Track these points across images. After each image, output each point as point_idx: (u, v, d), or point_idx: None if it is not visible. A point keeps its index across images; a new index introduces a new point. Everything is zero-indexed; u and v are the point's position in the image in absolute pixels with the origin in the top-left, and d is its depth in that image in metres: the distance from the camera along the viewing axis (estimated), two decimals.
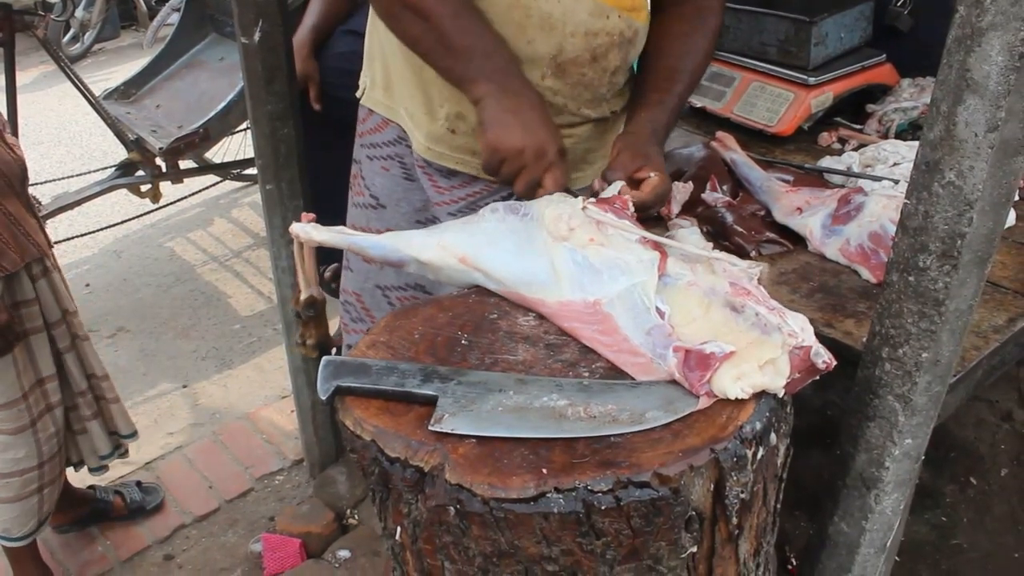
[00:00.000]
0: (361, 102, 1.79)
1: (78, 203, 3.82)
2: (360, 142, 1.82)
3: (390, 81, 1.67)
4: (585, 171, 1.64)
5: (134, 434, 2.50)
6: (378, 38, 1.66)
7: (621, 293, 1.11)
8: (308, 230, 1.35)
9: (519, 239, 1.23)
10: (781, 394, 1.01)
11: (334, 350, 1.61)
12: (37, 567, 2.36)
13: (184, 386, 3.38)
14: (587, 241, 1.18)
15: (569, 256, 1.17)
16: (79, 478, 2.58)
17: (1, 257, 1.94)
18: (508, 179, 1.38)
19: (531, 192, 1.36)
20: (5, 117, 2.10)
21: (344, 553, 2.47)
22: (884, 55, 2.05)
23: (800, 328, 1.03)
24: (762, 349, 1.01)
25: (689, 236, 1.39)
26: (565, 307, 1.15)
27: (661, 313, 1.08)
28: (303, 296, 1.49)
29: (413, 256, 1.27)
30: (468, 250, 1.24)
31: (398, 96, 1.65)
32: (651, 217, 1.68)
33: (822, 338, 1.05)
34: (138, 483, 2.74)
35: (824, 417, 1.36)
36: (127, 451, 2.53)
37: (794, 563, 1.95)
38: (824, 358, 1.02)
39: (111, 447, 2.44)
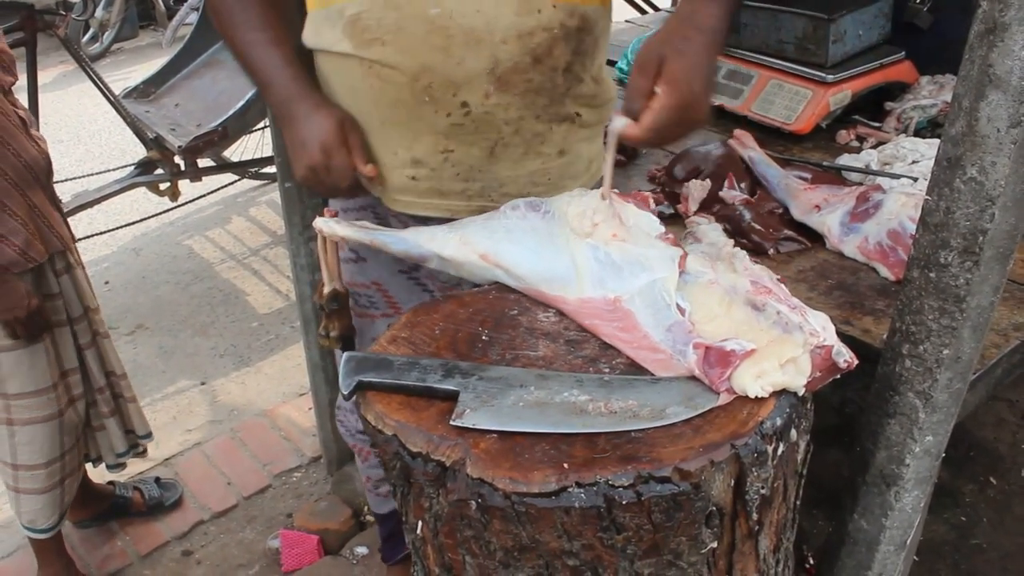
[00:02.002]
0: None
1: (97, 201, 3.86)
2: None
3: None
4: (568, 188, 1.49)
5: (149, 435, 2.53)
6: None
7: (642, 289, 1.11)
8: (331, 225, 1.37)
9: (540, 236, 1.24)
10: (802, 392, 1.01)
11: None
12: (61, 558, 2.38)
13: (202, 383, 3.40)
14: (609, 237, 1.18)
15: (591, 253, 1.18)
16: (98, 474, 2.60)
17: (28, 248, 1.97)
18: (335, 193, 1.45)
19: (355, 185, 1.41)
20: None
21: (362, 550, 2.49)
22: (903, 52, 2.04)
23: (822, 327, 1.03)
24: (783, 347, 1.01)
25: (710, 232, 1.39)
26: (586, 304, 1.15)
27: (682, 310, 1.08)
28: (326, 289, 1.50)
29: (435, 252, 1.28)
30: (489, 246, 1.25)
31: None
32: (668, 215, 1.69)
33: (840, 336, 1.05)
34: (157, 479, 2.76)
35: (842, 415, 1.35)
36: (145, 450, 2.55)
37: (812, 562, 1.94)
38: (845, 357, 1.02)
39: (127, 445, 2.47)
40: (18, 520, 2.27)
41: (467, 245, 1.26)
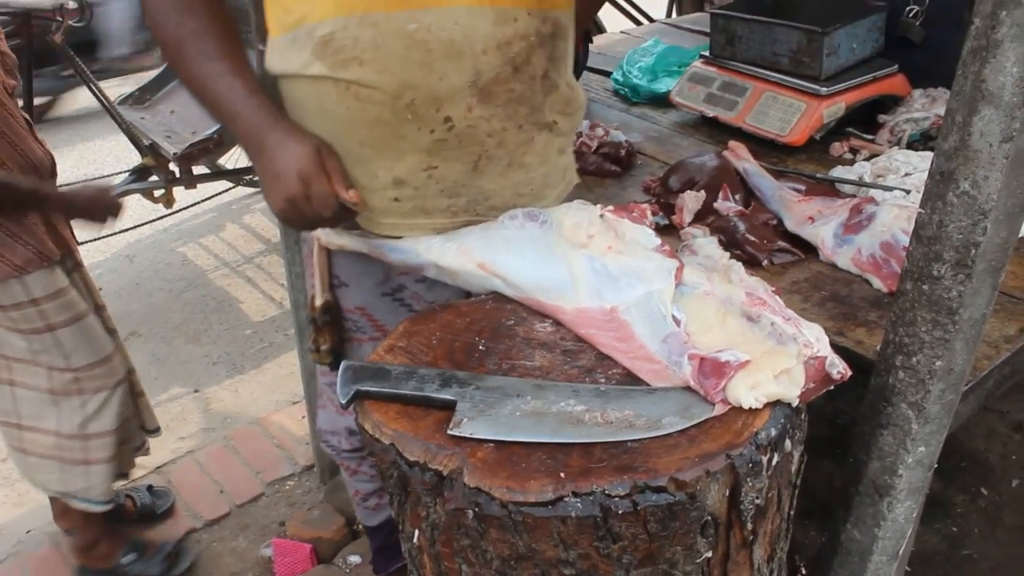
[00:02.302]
0: None
1: None
2: None
3: None
4: (548, 197, 1.53)
5: (157, 430, 2.56)
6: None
7: (638, 300, 1.12)
8: (330, 234, 1.37)
9: (538, 246, 1.25)
10: (796, 403, 1.02)
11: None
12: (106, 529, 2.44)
13: (195, 391, 3.39)
14: (605, 248, 1.19)
15: (588, 263, 1.19)
16: None
17: (42, 246, 2.00)
18: (317, 223, 1.36)
19: (339, 213, 1.32)
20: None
21: (355, 559, 2.48)
22: (896, 66, 2.06)
23: (815, 338, 1.04)
24: (777, 359, 1.02)
25: (706, 245, 1.40)
26: (582, 314, 1.16)
27: (677, 321, 1.09)
28: (318, 301, 1.50)
29: (433, 261, 1.28)
30: (487, 256, 1.26)
31: None
32: (662, 226, 1.70)
33: (833, 347, 1.06)
34: (149, 487, 2.76)
35: (835, 425, 1.36)
36: (148, 449, 2.57)
37: (805, 572, 1.95)
38: (839, 368, 1.03)
39: (140, 440, 2.50)
40: (76, 497, 2.29)
41: (465, 254, 1.26)
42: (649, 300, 1.12)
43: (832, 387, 1.06)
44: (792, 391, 1.01)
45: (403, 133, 1.34)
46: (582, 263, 1.19)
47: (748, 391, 1.00)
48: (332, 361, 1.63)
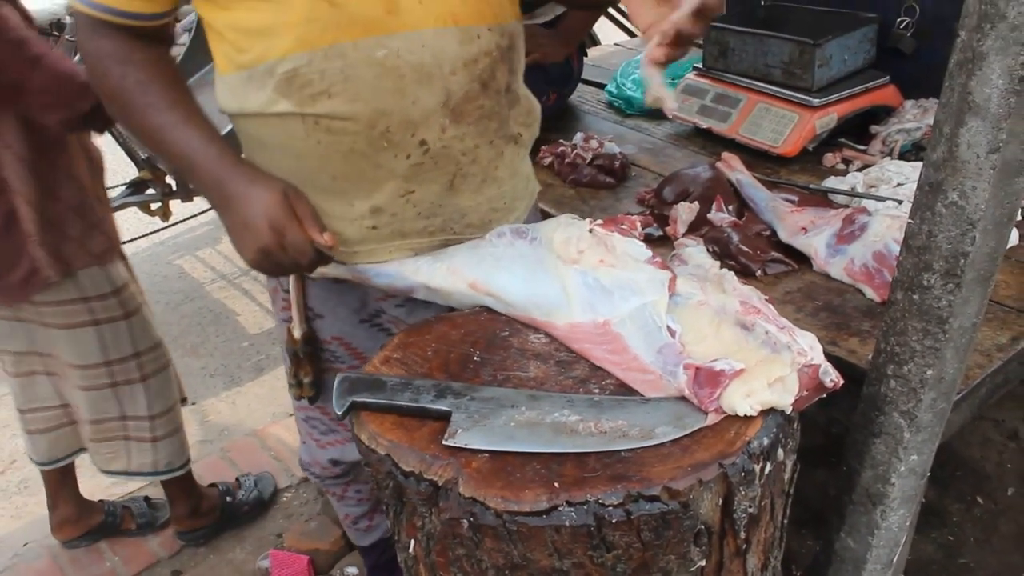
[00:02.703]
0: None
1: None
2: None
3: None
4: (518, 209, 1.54)
5: (186, 400, 2.64)
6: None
7: (632, 313, 1.13)
8: None
9: (528, 263, 1.25)
10: (789, 411, 1.03)
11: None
12: (195, 490, 2.57)
13: (192, 403, 3.39)
14: (597, 263, 1.20)
15: (580, 278, 1.20)
16: (88, 491, 2.60)
17: (115, 237, 2.13)
18: (293, 270, 1.35)
19: (315, 259, 1.30)
20: None
21: (352, 570, 2.48)
22: (888, 77, 2.08)
23: (809, 347, 1.05)
24: (771, 367, 1.03)
25: (696, 254, 1.41)
26: (575, 329, 1.17)
27: (672, 332, 1.10)
28: (297, 333, 1.49)
29: (422, 282, 1.27)
30: (478, 275, 1.26)
31: None
32: (656, 237, 1.71)
33: (827, 356, 1.07)
34: (146, 499, 2.76)
35: (828, 434, 1.37)
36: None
37: None
38: (832, 376, 1.04)
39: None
40: (151, 470, 2.40)
41: (455, 274, 1.27)
42: (643, 312, 1.13)
43: (825, 395, 1.07)
44: (786, 399, 1.02)
45: (379, 161, 1.33)
46: (574, 278, 1.20)
47: (743, 399, 1.01)
48: (315, 396, 1.63)
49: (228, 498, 2.67)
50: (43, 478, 2.48)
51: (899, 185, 1.76)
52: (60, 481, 2.48)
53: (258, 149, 1.39)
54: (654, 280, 1.16)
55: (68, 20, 3.92)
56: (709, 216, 1.71)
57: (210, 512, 2.61)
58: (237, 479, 2.77)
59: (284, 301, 1.58)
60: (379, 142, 1.30)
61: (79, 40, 1.32)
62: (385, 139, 1.30)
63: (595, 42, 3.99)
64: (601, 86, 2.69)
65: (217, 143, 1.31)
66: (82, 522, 2.60)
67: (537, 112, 1.54)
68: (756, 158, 2.02)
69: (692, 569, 0.99)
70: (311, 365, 1.57)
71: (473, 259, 1.28)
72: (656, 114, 2.40)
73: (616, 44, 3.38)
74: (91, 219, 2.03)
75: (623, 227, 1.27)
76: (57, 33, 3.80)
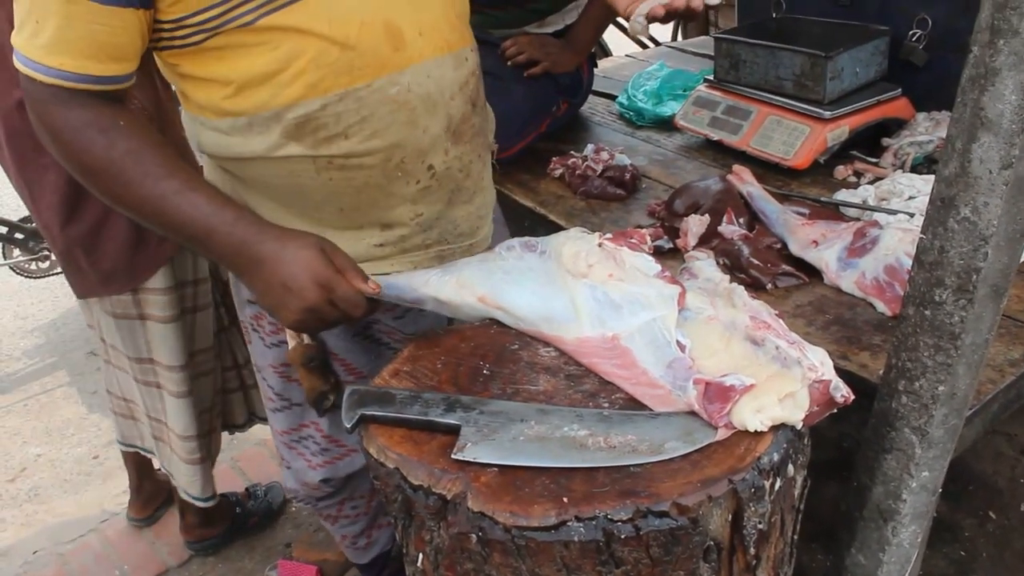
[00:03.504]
0: None
1: None
2: None
3: None
4: (491, 212, 1.58)
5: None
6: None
7: (641, 327, 1.13)
8: None
9: (538, 276, 1.25)
10: (800, 427, 1.02)
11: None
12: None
13: None
14: (606, 277, 1.20)
15: (589, 292, 1.19)
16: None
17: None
18: (337, 323, 1.28)
19: (363, 307, 1.25)
20: None
21: None
22: (899, 89, 2.07)
23: (820, 362, 1.05)
24: (782, 382, 1.02)
25: (705, 268, 1.41)
26: (584, 343, 1.17)
27: (682, 346, 1.10)
28: (296, 345, 1.47)
29: (431, 295, 1.27)
30: (487, 289, 1.26)
31: None
32: (667, 250, 1.71)
33: (837, 371, 1.06)
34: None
35: (840, 449, 1.36)
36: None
37: None
38: (843, 392, 1.04)
39: (246, 417, 2.60)
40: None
41: (465, 288, 1.27)
42: (652, 326, 1.12)
43: (836, 410, 1.06)
44: (797, 414, 1.02)
45: (392, 190, 1.35)
46: (583, 292, 1.20)
47: (753, 415, 1.00)
48: (320, 408, 1.56)
49: (238, 508, 2.67)
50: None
51: (911, 198, 1.75)
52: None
53: (250, 189, 1.38)
54: (663, 294, 1.16)
55: None
56: (720, 229, 1.70)
57: (220, 522, 2.62)
58: (247, 489, 2.78)
59: (272, 325, 1.58)
60: (394, 172, 1.33)
61: (41, 115, 1.20)
62: (400, 169, 1.33)
63: (606, 53, 4.00)
64: (612, 97, 2.69)
65: (232, 206, 1.24)
66: (156, 499, 2.75)
67: (493, 117, 1.62)
68: (767, 170, 2.02)
69: None
70: (326, 373, 1.56)
71: (482, 272, 1.29)
72: (667, 126, 2.40)
73: (627, 55, 3.38)
74: None
75: (632, 241, 1.26)
76: None
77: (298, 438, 1.74)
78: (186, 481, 2.35)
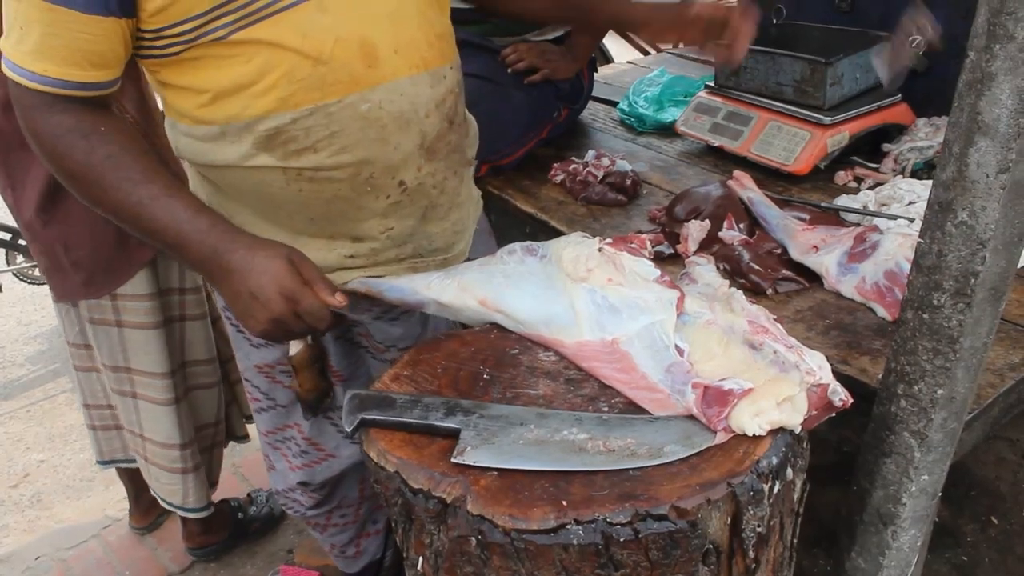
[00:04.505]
0: None
1: None
2: None
3: None
4: (472, 226, 1.59)
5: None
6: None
7: (640, 331, 1.13)
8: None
9: (538, 280, 1.26)
10: (798, 430, 1.03)
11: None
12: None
13: None
14: (605, 281, 1.20)
15: (589, 297, 1.20)
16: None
17: None
18: (303, 335, 1.31)
19: (332, 320, 1.26)
20: None
21: None
22: (900, 95, 2.07)
23: (818, 366, 1.05)
24: (780, 386, 1.03)
25: (705, 273, 1.41)
26: (583, 347, 1.17)
27: (680, 351, 1.10)
28: (303, 348, 1.48)
29: (433, 298, 1.28)
30: (488, 292, 1.27)
31: None
32: (667, 255, 1.71)
33: (837, 375, 1.07)
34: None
35: (840, 453, 1.36)
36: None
37: None
38: (841, 396, 1.04)
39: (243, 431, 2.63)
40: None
41: (466, 291, 1.27)
42: (651, 331, 1.13)
43: (835, 414, 1.06)
44: (795, 419, 1.02)
45: (361, 204, 1.36)
46: (583, 296, 1.20)
47: (751, 419, 1.01)
48: (311, 408, 1.58)
49: (240, 514, 2.67)
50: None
51: (911, 203, 1.75)
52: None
53: (226, 195, 1.39)
54: (662, 299, 1.16)
55: None
56: (720, 234, 1.71)
57: (222, 528, 2.62)
58: (249, 495, 2.78)
59: None
60: (363, 187, 1.34)
61: (27, 118, 1.22)
62: (368, 184, 1.34)
63: (608, 60, 4.01)
64: (613, 104, 2.70)
65: (206, 213, 1.25)
66: (156, 507, 2.72)
67: (476, 129, 1.61)
68: (767, 176, 2.02)
69: None
70: (325, 374, 1.56)
71: (483, 276, 1.29)
72: (668, 132, 2.40)
73: (628, 62, 3.39)
74: None
75: (632, 246, 1.27)
76: None
77: (282, 439, 1.75)
78: (166, 490, 2.34)
